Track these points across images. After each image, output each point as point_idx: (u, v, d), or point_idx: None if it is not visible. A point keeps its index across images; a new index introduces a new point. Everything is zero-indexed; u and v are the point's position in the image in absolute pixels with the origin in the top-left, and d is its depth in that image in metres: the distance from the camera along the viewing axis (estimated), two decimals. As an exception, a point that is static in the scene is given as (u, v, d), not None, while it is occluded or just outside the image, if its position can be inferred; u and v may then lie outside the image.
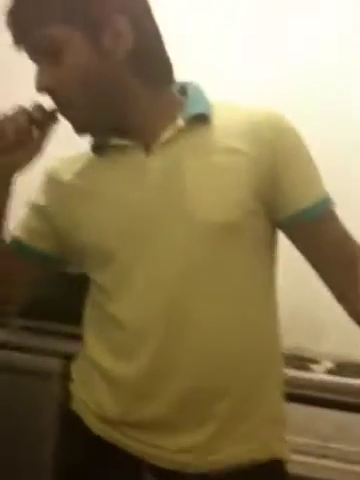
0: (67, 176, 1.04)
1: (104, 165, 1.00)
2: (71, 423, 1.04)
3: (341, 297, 1.02)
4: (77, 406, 1.03)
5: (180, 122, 0.96)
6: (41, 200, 1.08)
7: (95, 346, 1.01)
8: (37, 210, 1.08)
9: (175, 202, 0.93)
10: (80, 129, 0.99)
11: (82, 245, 1.00)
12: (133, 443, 0.94)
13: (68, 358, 2.07)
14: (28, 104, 0.99)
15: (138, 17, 0.95)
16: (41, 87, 0.93)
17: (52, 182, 1.07)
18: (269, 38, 2.44)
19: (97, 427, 0.98)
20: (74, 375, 1.08)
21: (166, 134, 0.96)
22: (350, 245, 1.02)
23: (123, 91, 0.96)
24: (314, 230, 0.98)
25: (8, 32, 0.94)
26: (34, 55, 0.94)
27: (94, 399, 0.99)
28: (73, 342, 2.30)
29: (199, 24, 2.48)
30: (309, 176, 0.99)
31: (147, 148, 0.97)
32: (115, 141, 0.98)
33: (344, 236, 1.01)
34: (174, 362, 0.93)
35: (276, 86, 2.38)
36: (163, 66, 1.00)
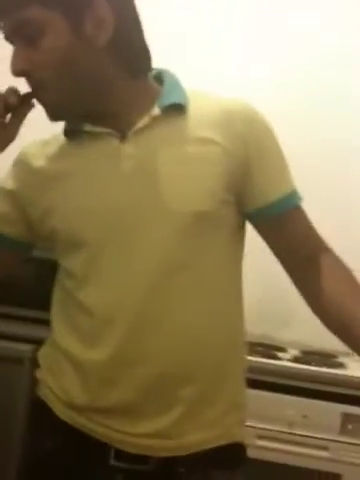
0: (38, 160, 1.02)
1: (76, 150, 0.99)
2: (38, 409, 1.04)
3: (303, 289, 1.04)
4: (44, 392, 1.03)
5: (156, 111, 0.96)
6: (9, 184, 1.05)
7: (62, 332, 1.01)
8: (5, 194, 1.06)
9: (148, 190, 0.93)
10: (53, 114, 0.97)
11: (52, 230, 0.99)
12: (99, 428, 0.95)
13: (39, 343, 2.09)
14: (2, 89, 0.97)
15: (119, 3, 0.93)
16: (16, 69, 0.91)
17: (21, 165, 1.05)
18: (268, 36, 2.43)
19: (64, 413, 0.98)
20: (41, 361, 1.08)
21: (141, 122, 0.96)
22: (314, 239, 1.04)
23: (100, 78, 0.95)
24: (281, 222, 1.00)
25: None
26: (11, 37, 0.91)
27: (61, 385, 0.99)
28: (43, 327, 2.30)
29: (198, 23, 2.45)
30: (279, 170, 1.01)
31: (122, 135, 0.97)
32: (89, 127, 0.98)
33: (309, 229, 1.04)
34: (142, 349, 0.93)
35: (275, 84, 2.39)
36: (141, 54, 0.99)
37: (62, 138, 1.02)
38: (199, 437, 0.94)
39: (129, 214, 0.94)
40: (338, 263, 1.03)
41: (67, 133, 1.01)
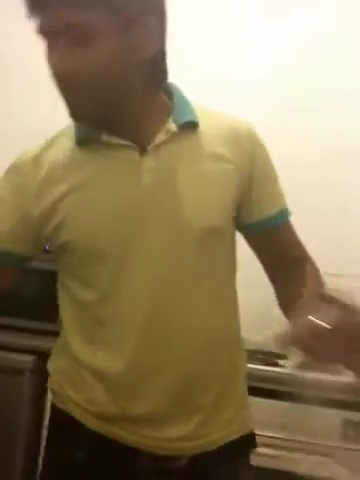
0: (43, 169, 0.99)
1: (91, 160, 0.98)
2: (61, 421, 1.05)
3: (281, 297, 1.11)
4: (67, 405, 1.03)
5: (173, 127, 0.99)
6: (15, 197, 1.01)
7: (80, 345, 1.01)
8: (13, 210, 1.01)
9: (167, 204, 0.96)
10: (79, 115, 0.95)
11: (68, 242, 0.97)
12: (130, 436, 0.98)
13: (39, 354, 2.10)
14: None
15: (164, 19, 0.96)
16: (61, 69, 0.89)
17: (26, 177, 1.00)
18: (270, 37, 2.46)
19: (93, 423, 1.00)
20: (57, 376, 1.08)
21: (160, 137, 0.98)
22: (299, 250, 1.12)
23: (129, 87, 0.95)
24: (273, 235, 1.08)
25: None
26: (58, 32, 0.88)
27: (88, 398, 1.01)
28: (44, 338, 2.31)
29: (200, 23, 2.47)
30: (275, 188, 1.09)
31: (141, 149, 0.98)
32: (107, 138, 0.97)
33: (295, 241, 1.12)
34: (161, 357, 0.97)
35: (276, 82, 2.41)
36: (163, 68, 1.01)
37: (67, 145, 1.00)
38: (222, 434, 1.01)
39: (150, 227, 0.96)
40: (317, 274, 1.05)
41: (80, 142, 0.99)
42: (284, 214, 1.10)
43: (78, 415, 1.02)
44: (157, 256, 0.96)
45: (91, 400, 1.00)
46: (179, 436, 0.99)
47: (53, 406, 1.08)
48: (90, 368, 1.00)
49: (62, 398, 1.05)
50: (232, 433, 1.03)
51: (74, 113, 0.95)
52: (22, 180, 1.00)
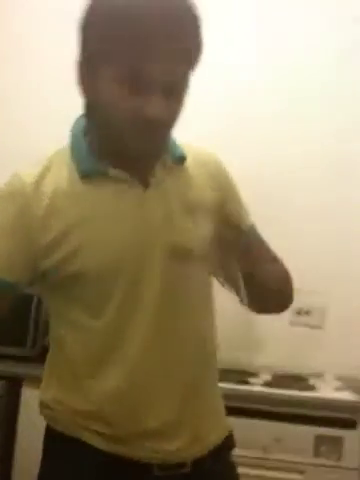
0: (49, 196, 0.98)
1: (101, 193, 1.02)
2: (71, 447, 1.05)
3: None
4: (75, 431, 1.04)
5: (169, 161, 1.07)
6: (16, 220, 0.99)
7: (89, 371, 1.04)
8: (9, 231, 0.99)
9: (168, 234, 1.03)
10: (152, 154, 1.03)
11: (79, 271, 0.98)
12: (141, 452, 1.03)
13: (9, 379, 2.08)
14: None
15: None
16: (158, 116, 0.94)
17: (29, 199, 0.98)
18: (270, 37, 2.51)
19: (107, 445, 1.03)
20: (57, 406, 1.07)
21: (159, 172, 1.05)
22: (267, 251, 1.18)
23: None
24: (249, 245, 1.10)
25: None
26: (159, 86, 0.94)
27: (101, 422, 1.03)
28: (14, 364, 2.28)
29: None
30: (243, 207, 1.18)
31: (143, 183, 1.04)
32: (115, 172, 1.01)
33: (264, 245, 1.18)
34: (166, 370, 1.04)
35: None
36: None
37: (67, 174, 1.00)
38: (215, 436, 1.11)
39: (154, 254, 1.02)
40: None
41: (87, 174, 1.01)
42: (253, 227, 1.17)
43: (89, 439, 1.04)
44: (161, 279, 1.03)
45: (105, 422, 1.03)
46: (186, 443, 1.06)
47: (50, 431, 1.10)
48: (101, 390, 1.03)
49: (70, 425, 1.06)
50: (221, 433, 1.13)
51: (148, 152, 1.00)
52: (23, 207, 0.98)
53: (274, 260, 1.17)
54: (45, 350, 2.42)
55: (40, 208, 0.98)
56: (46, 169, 1.01)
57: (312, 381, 2.24)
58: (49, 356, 1.14)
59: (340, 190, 2.59)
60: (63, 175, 1.00)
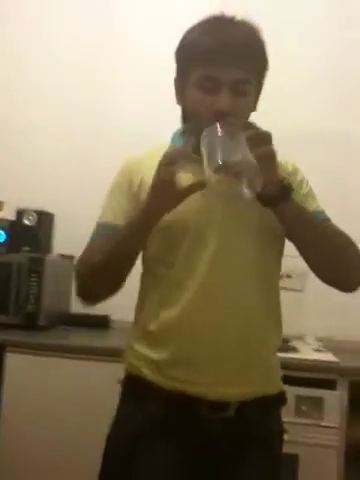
0: (146, 171, 1.23)
1: (183, 170, 1.18)
2: (140, 386, 1.28)
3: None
4: (144, 373, 1.27)
5: None
6: (126, 186, 1.31)
7: (157, 309, 1.27)
8: (122, 193, 1.30)
9: (234, 207, 1.23)
10: None
11: (165, 222, 1.19)
12: (191, 387, 1.23)
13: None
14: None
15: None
16: (224, 108, 1.18)
17: (133, 172, 1.31)
18: None
19: (161, 381, 1.25)
20: (134, 359, 1.30)
21: None
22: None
23: None
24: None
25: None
26: (227, 86, 1.19)
27: (159, 357, 1.26)
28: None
29: None
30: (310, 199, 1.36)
31: None
32: (195, 156, 1.14)
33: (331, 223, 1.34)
34: (215, 315, 1.23)
35: None
36: None
37: (157, 158, 1.17)
38: (262, 389, 1.27)
39: (220, 221, 1.24)
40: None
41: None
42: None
43: (151, 377, 1.26)
44: (218, 242, 1.24)
45: (163, 359, 1.25)
46: (229, 384, 1.24)
47: (125, 378, 1.33)
48: (165, 325, 1.26)
49: (139, 369, 1.28)
50: (271, 390, 1.30)
51: None
52: (126, 177, 1.33)
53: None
54: (27, 317, 2.45)
55: (138, 179, 1.30)
56: (147, 154, 1.33)
57: (294, 343, 2.28)
58: (135, 315, 1.35)
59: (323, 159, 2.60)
60: (155, 159, 1.18)
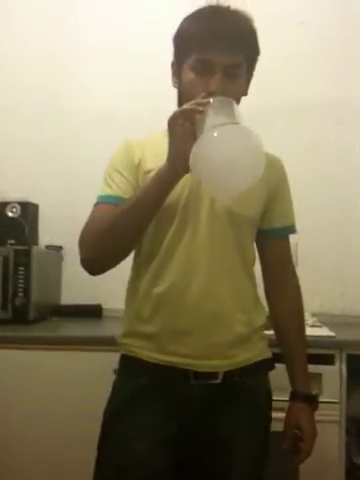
0: (144, 151, 1.37)
1: None
2: (129, 363, 1.38)
3: (268, 293, 1.51)
4: (133, 351, 1.36)
5: None
6: (127, 161, 1.36)
7: (150, 279, 1.34)
8: (126, 167, 1.36)
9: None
10: None
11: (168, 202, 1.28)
12: (180, 360, 1.31)
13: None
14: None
15: None
16: (218, 90, 1.24)
17: (134, 151, 1.37)
18: None
19: (152, 357, 1.33)
20: (126, 339, 1.38)
21: None
22: (290, 261, 1.53)
23: None
24: (280, 243, 1.50)
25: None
26: (220, 70, 1.27)
27: (148, 331, 1.34)
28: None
29: None
30: (291, 207, 1.52)
31: None
32: None
33: (290, 252, 1.53)
34: (197, 285, 1.31)
35: None
36: None
37: (159, 139, 1.31)
38: (246, 357, 1.37)
39: (205, 207, 1.34)
40: (298, 289, 1.51)
41: None
42: (294, 228, 1.51)
43: (142, 355, 1.34)
44: (207, 221, 1.33)
45: (151, 333, 1.33)
46: (214, 355, 1.33)
47: (122, 357, 1.41)
48: (153, 301, 1.33)
49: (129, 347, 1.38)
50: (253, 357, 1.38)
51: None
52: (129, 153, 1.38)
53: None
54: (16, 311, 2.40)
55: (138, 155, 1.36)
56: (148, 137, 1.42)
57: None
58: (126, 296, 1.42)
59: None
60: (157, 141, 1.34)
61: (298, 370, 1.46)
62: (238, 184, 1.13)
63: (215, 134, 1.06)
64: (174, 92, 1.36)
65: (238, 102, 1.29)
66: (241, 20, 1.32)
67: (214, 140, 1.07)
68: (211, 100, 1.16)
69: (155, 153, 1.31)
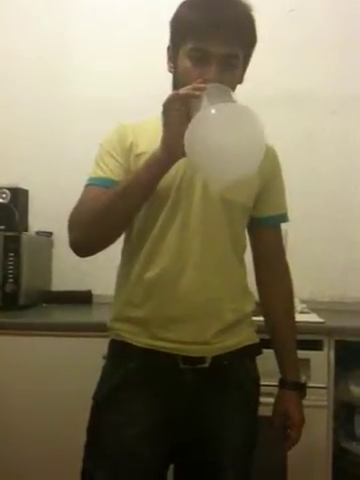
0: (136, 135, 1.36)
1: None
2: (119, 348, 1.37)
3: (260, 281, 1.50)
4: (123, 336, 1.36)
5: None
6: (119, 144, 1.35)
7: (141, 266, 1.33)
8: (118, 150, 1.35)
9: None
10: None
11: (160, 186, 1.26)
12: (169, 344, 1.32)
13: None
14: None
15: None
16: (213, 80, 1.21)
17: (126, 134, 1.36)
18: None
19: (142, 342, 1.33)
20: (117, 325, 1.38)
21: None
22: (282, 246, 1.53)
23: None
24: (273, 230, 1.51)
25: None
26: (216, 60, 1.25)
27: (138, 316, 1.34)
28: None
29: None
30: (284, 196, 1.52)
31: None
32: None
33: (281, 239, 1.53)
34: (188, 269, 1.31)
35: None
36: None
37: (151, 125, 1.31)
38: (233, 342, 1.37)
39: (197, 191, 1.32)
40: (289, 277, 1.51)
41: None
42: (286, 216, 1.51)
43: (132, 340, 1.34)
44: (197, 208, 1.32)
45: (141, 317, 1.33)
46: (203, 342, 1.33)
47: (110, 343, 1.42)
48: (144, 285, 1.33)
49: (119, 332, 1.37)
50: (241, 343, 1.38)
51: None
52: (121, 136, 1.37)
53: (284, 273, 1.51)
54: (7, 297, 2.40)
55: (130, 138, 1.35)
56: (142, 121, 1.40)
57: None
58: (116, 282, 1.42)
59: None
60: (151, 125, 1.33)
61: (288, 358, 1.47)
62: (235, 168, 1.06)
63: (213, 111, 1.01)
64: (169, 77, 1.34)
65: (233, 91, 1.27)
66: (240, 8, 1.29)
67: (212, 118, 1.01)
68: (207, 86, 1.13)
69: (148, 137, 1.30)
